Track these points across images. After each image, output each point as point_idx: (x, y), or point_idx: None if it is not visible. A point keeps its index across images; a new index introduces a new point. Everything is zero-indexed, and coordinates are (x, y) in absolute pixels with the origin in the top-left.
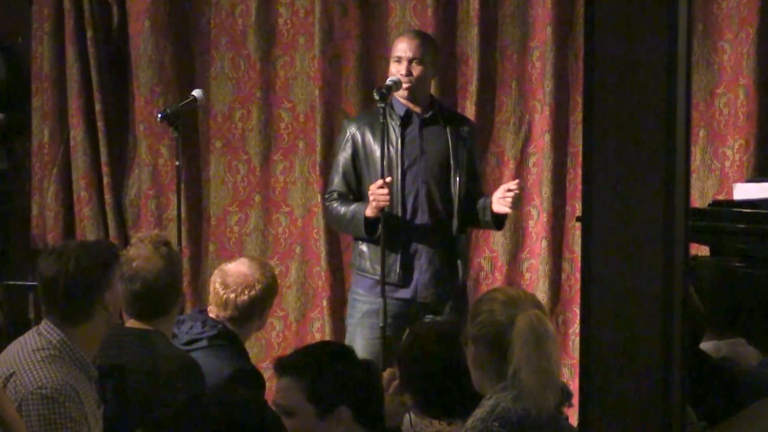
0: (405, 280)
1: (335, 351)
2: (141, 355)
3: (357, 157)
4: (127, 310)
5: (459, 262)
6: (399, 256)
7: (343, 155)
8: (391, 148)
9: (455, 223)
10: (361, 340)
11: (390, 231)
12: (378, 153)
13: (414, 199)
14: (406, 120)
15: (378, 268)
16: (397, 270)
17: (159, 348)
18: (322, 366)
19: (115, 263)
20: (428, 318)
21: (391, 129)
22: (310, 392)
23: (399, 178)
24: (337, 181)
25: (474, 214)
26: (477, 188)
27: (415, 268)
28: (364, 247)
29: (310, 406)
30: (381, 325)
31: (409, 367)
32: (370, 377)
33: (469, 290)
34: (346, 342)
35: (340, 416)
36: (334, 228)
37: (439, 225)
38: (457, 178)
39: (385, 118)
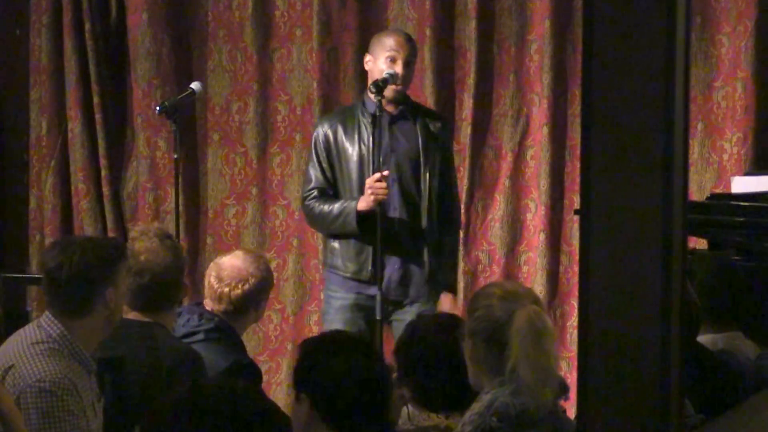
0: (376, 277)
1: (331, 341)
2: (144, 347)
3: (330, 154)
4: (132, 302)
5: (431, 261)
6: (371, 254)
7: (318, 152)
8: (363, 146)
9: (424, 221)
10: None
11: (366, 228)
12: (351, 150)
13: (387, 197)
14: (377, 117)
15: (350, 265)
16: (369, 268)
17: (162, 340)
18: (305, 352)
19: (121, 261)
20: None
21: (363, 127)
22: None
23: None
24: (315, 177)
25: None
26: (448, 189)
27: (387, 266)
28: (335, 244)
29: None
30: (378, 318)
31: (408, 360)
32: (341, 373)
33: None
34: None
35: (301, 401)
36: (315, 228)
37: (412, 223)
38: (427, 175)
39: (381, 110)
